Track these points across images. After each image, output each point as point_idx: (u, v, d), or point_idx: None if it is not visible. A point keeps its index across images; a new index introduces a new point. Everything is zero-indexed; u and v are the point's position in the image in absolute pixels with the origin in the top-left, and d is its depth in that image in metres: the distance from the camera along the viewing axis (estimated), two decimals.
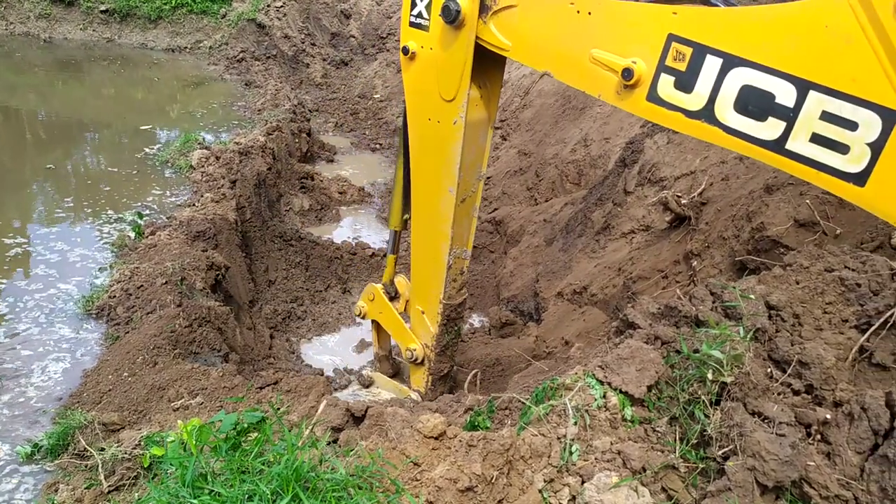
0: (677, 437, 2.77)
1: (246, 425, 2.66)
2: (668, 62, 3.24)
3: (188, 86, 16.32)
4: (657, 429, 2.79)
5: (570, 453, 2.68)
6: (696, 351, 2.87)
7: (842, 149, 2.81)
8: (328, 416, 4.06)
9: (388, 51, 19.11)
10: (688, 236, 7.08)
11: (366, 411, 4.04)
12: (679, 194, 7.49)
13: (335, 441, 3.95)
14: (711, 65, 3.11)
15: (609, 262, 8.06)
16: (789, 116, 2.91)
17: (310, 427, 2.94)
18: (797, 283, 3.42)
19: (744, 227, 6.26)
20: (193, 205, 8.92)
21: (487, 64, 4.48)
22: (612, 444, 2.71)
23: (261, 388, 5.27)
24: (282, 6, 18.75)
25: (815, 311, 3.26)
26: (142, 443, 4.34)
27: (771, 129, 2.98)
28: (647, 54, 3.31)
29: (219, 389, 5.26)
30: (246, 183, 9.73)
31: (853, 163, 2.79)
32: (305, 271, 10.19)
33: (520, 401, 2.95)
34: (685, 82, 3.21)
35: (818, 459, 2.62)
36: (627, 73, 3.33)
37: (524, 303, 9.20)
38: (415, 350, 5.84)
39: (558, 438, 2.72)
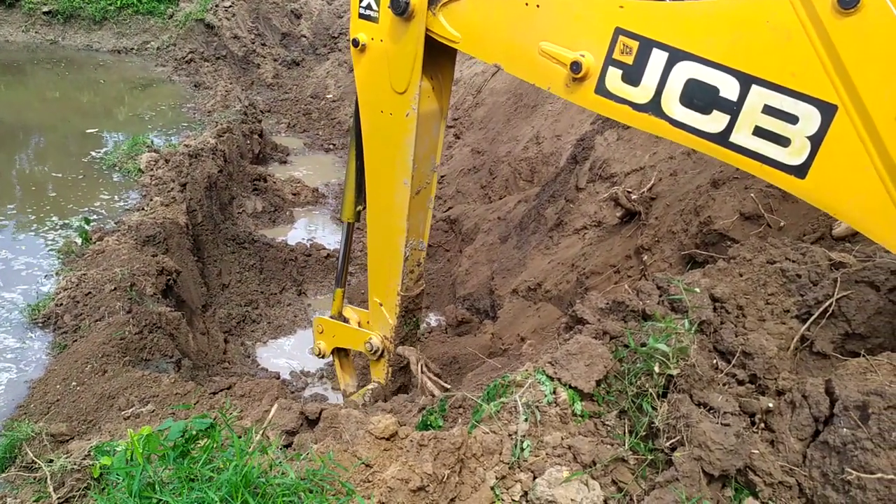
0: (626, 430, 2.81)
1: (195, 432, 2.62)
2: (616, 55, 3.27)
3: (135, 88, 16.02)
4: (607, 422, 2.83)
5: (522, 450, 2.70)
6: (643, 345, 2.92)
7: (783, 142, 2.87)
8: (282, 420, 4.03)
9: (339, 50, 19.01)
10: (638, 231, 7.18)
11: (320, 413, 4.02)
12: (629, 190, 7.60)
13: (289, 445, 3.92)
14: (658, 58, 3.15)
15: (562, 259, 8.13)
16: (733, 110, 2.97)
17: (261, 432, 2.91)
18: (741, 276, 3.50)
19: (692, 221, 6.38)
20: (143, 209, 8.76)
21: (438, 56, 4.48)
22: (562, 439, 2.74)
23: (214, 393, 5.21)
24: (230, 6, 18.51)
25: (758, 303, 3.34)
26: (91, 453, 4.25)
27: (715, 122, 3.03)
28: (594, 48, 3.34)
29: (170, 396, 5.18)
30: (196, 186, 9.59)
31: (794, 155, 2.86)
32: (259, 274, 10.09)
33: (473, 399, 2.96)
34: (632, 75, 3.24)
35: (762, 447, 2.69)
36: (576, 67, 3.35)
37: (480, 301, 9.23)
38: (374, 341, 5.82)
39: (509, 435, 2.74)
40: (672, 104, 3.16)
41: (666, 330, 2.92)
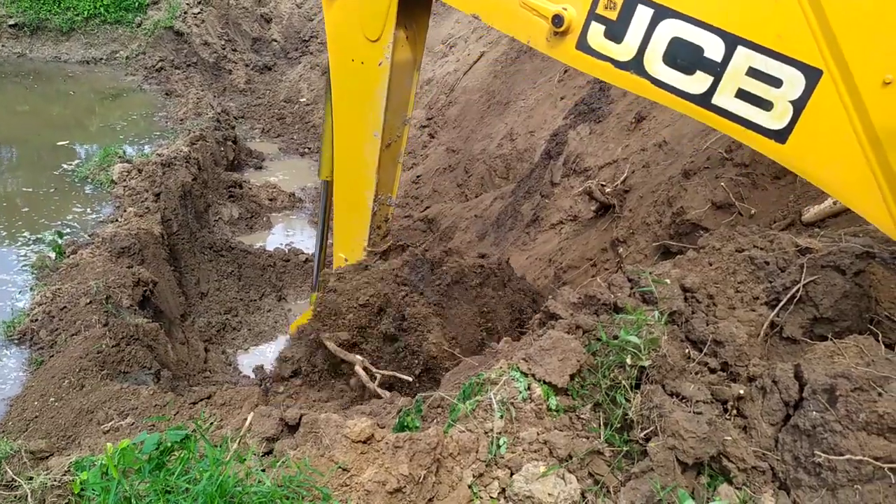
0: (601, 423, 2.84)
1: (170, 444, 2.62)
2: (599, 10, 3.21)
3: (106, 98, 15.87)
4: (581, 416, 2.85)
5: (498, 447, 2.71)
6: (615, 337, 2.95)
7: (766, 105, 2.86)
8: (262, 427, 4.01)
9: (311, 54, 18.95)
10: (613, 224, 7.23)
11: (300, 419, 4.01)
12: (603, 183, 7.65)
13: (270, 452, 3.91)
14: (642, 15, 3.09)
15: (540, 254, 8.17)
16: (717, 71, 2.94)
17: (237, 440, 2.91)
18: (710, 265, 3.54)
19: (665, 212, 6.43)
20: (116, 220, 8.68)
21: (414, 5, 4.41)
22: (538, 434, 2.75)
23: (194, 403, 5.18)
24: (199, 12, 18.38)
25: (728, 291, 3.38)
26: (71, 469, 4.22)
27: (698, 83, 3.00)
28: (578, 1, 3.27)
29: (150, 408, 5.15)
30: (171, 195, 9.52)
31: (776, 119, 2.85)
32: (238, 281, 10.04)
33: (449, 399, 2.98)
34: (615, 32, 3.19)
35: (735, 434, 2.72)
36: (558, 20, 3.28)
37: None
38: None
39: (486, 433, 2.75)
40: (655, 63, 3.12)
41: (637, 322, 2.94)
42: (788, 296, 3.16)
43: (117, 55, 18.13)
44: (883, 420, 2.35)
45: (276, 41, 19.56)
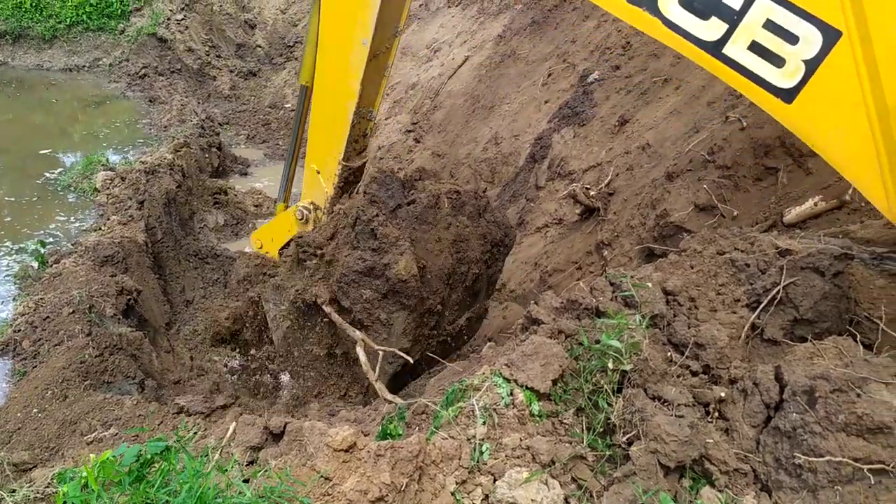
0: (584, 428, 2.84)
1: (150, 456, 2.60)
2: None
3: (89, 106, 15.77)
4: (564, 421, 2.85)
5: (481, 453, 2.71)
6: (597, 341, 2.95)
7: (778, 61, 2.80)
8: (245, 436, 3.99)
9: (296, 59, 18.88)
10: (598, 227, 7.25)
11: (284, 427, 3.99)
12: (587, 186, 7.67)
13: (254, 461, 3.89)
14: None
15: (525, 258, 8.18)
16: (733, 19, 2.87)
17: (218, 451, 2.89)
18: (692, 268, 3.55)
19: (649, 215, 6.45)
20: (100, 229, 8.63)
21: None
22: (521, 440, 2.76)
23: (177, 413, 5.14)
24: (182, 19, 18.30)
25: (710, 294, 3.39)
26: (54, 481, 4.19)
27: (712, 29, 2.93)
28: None
29: (133, 419, 5.11)
30: (155, 203, 9.47)
31: (786, 78, 2.80)
32: (224, 288, 9.98)
33: (431, 405, 2.97)
34: None
35: (717, 436, 2.73)
36: None
37: None
38: (303, 207, 5.60)
39: (468, 439, 2.75)
40: (669, 4, 3.04)
41: (618, 326, 2.95)
42: (769, 298, 3.18)
43: (100, 62, 18.03)
44: (862, 421, 2.36)
45: (260, 47, 19.50)
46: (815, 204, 5.01)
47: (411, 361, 5.18)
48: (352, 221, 5.25)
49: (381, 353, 5.25)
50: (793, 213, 5.11)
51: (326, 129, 5.32)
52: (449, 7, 16.36)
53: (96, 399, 5.42)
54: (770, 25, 2.78)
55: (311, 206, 5.65)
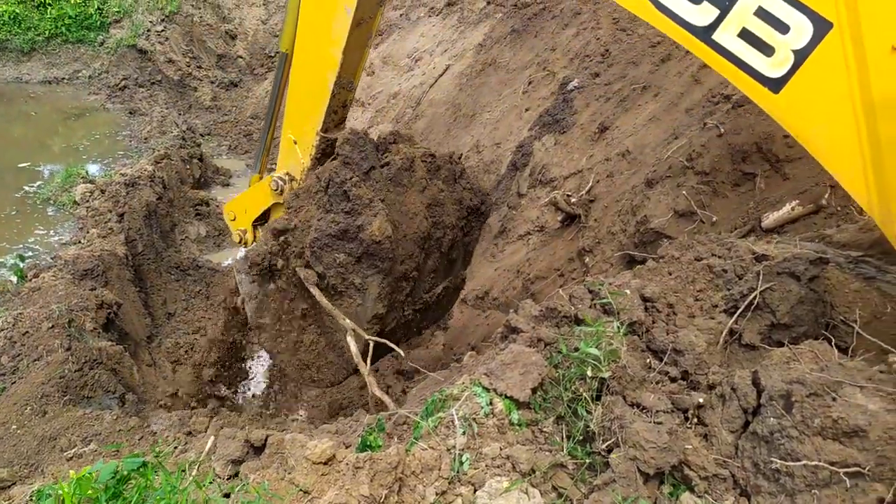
0: (564, 436, 2.84)
1: (126, 472, 2.57)
2: None
3: (68, 118, 15.67)
4: (544, 429, 2.85)
5: (461, 463, 2.71)
6: (576, 349, 2.96)
7: (767, 50, 2.79)
8: (226, 450, 3.96)
9: None
10: (579, 234, 7.28)
11: (265, 440, 3.96)
12: (569, 193, 7.70)
13: (236, 475, 3.86)
14: None
15: (508, 265, 8.19)
16: (725, 5, 2.86)
17: (196, 466, 2.86)
18: (670, 274, 3.57)
19: (629, 221, 6.49)
20: (79, 242, 8.56)
21: None
22: (501, 449, 2.75)
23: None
24: (162, 30, 18.25)
25: (688, 300, 3.41)
26: (34, 498, 4.14)
27: (703, 14, 2.92)
28: None
29: (113, 434, 5.07)
30: (135, 215, 9.41)
31: (775, 67, 2.79)
32: (206, 300, 9.93)
33: (411, 416, 2.96)
34: None
35: (695, 442, 2.74)
36: None
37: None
38: (278, 178, 5.50)
39: (448, 450, 2.74)
40: None
41: (597, 334, 2.96)
42: (746, 303, 3.19)
43: (80, 74, 17.93)
44: (837, 425, 2.38)
45: (241, 58, 19.47)
46: (793, 209, 5.06)
47: (402, 354, 5.13)
48: (324, 185, 5.15)
49: (359, 317, 5.19)
50: (771, 218, 5.15)
51: (305, 99, 5.20)
52: (429, 16, 16.41)
53: (76, 414, 5.37)
54: (761, 13, 2.78)
55: (287, 177, 5.54)
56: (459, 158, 6.10)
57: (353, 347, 5.05)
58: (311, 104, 5.17)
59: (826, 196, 4.97)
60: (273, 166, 6.01)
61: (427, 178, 5.51)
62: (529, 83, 10.94)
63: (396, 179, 5.27)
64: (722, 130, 6.00)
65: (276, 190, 5.55)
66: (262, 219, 5.98)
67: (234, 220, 5.99)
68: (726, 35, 2.88)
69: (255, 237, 6.11)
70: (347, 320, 5.15)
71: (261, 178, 5.96)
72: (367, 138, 5.23)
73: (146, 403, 6.67)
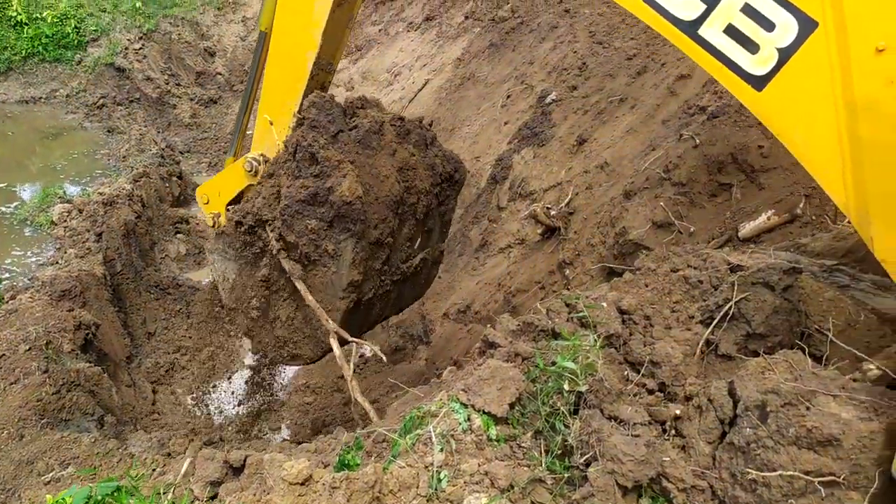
0: (542, 450, 2.84)
1: (101, 497, 2.54)
2: None
3: (46, 138, 15.52)
4: (522, 444, 2.85)
5: (439, 480, 2.69)
6: (553, 364, 2.96)
7: (752, 47, 2.80)
8: (206, 471, 3.92)
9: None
10: (559, 246, 7.30)
11: (245, 460, 3.94)
12: (548, 206, 7.73)
13: (215, 496, 3.83)
14: None
15: (489, 279, 8.20)
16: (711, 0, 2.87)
17: (172, 489, 2.83)
18: (646, 286, 3.59)
19: (609, 233, 6.52)
20: (57, 263, 8.48)
21: None
22: (479, 465, 2.74)
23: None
24: (140, 48, 18.17)
25: (664, 311, 3.42)
26: None
27: (690, 8, 2.92)
28: None
29: (91, 456, 4.99)
30: (113, 234, 9.33)
31: (759, 64, 2.79)
32: (187, 319, 9.85)
33: (388, 434, 2.95)
34: None
35: (673, 454, 2.74)
36: None
37: (413, 326, 9.22)
38: (252, 159, 5.37)
39: (426, 467, 2.73)
40: None
41: (573, 347, 2.96)
42: (721, 313, 3.21)
43: (57, 93, 17.77)
44: (811, 434, 2.39)
45: (220, 74, 19.41)
46: (769, 218, 5.11)
47: (381, 355, 5.07)
48: (292, 150, 5.07)
49: (335, 285, 5.09)
50: (747, 228, 5.20)
51: (283, 79, 5.14)
52: (408, 31, 16.47)
53: (53, 438, 5.30)
54: (748, 10, 2.79)
55: (261, 158, 5.43)
56: (430, 125, 5.99)
57: (337, 350, 5.01)
58: (289, 85, 5.10)
59: (801, 205, 5.03)
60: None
61: (397, 141, 5.41)
62: (508, 97, 11.00)
63: (365, 142, 5.17)
64: (698, 142, 6.06)
65: (250, 171, 5.43)
66: (237, 201, 5.83)
67: (207, 203, 5.88)
68: (712, 30, 2.88)
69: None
70: (331, 322, 5.10)
71: (235, 160, 5.88)
72: (334, 102, 5.14)
73: (125, 425, 6.59)
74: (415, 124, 5.71)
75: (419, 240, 5.97)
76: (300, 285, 5.19)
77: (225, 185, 5.81)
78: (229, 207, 5.74)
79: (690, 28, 2.94)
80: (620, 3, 3.19)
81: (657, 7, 3.02)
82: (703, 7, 2.88)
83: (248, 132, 5.99)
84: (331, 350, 5.35)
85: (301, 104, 5.12)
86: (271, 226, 5.26)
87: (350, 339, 5.07)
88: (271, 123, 5.34)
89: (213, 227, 6.02)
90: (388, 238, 5.30)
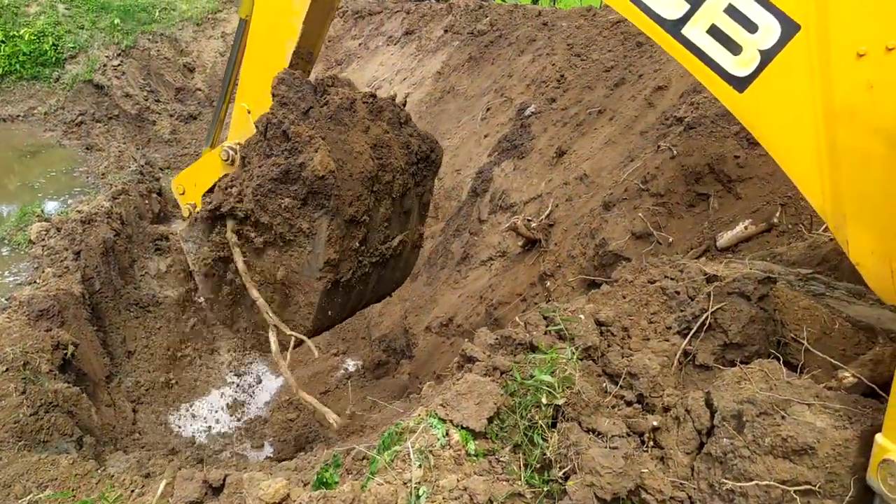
0: (521, 464, 2.83)
1: None
2: None
3: (23, 156, 15.39)
4: (501, 459, 2.84)
5: (417, 497, 2.67)
6: (531, 377, 2.96)
7: (735, 48, 2.80)
8: (184, 492, 3.89)
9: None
10: (540, 258, 7.32)
11: (224, 479, 3.90)
12: (529, 218, 7.75)
13: None
14: None
15: (471, 291, 8.20)
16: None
17: None
18: (624, 298, 3.60)
19: (588, 244, 6.54)
20: (35, 282, 8.38)
21: None
22: (458, 481, 2.73)
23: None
24: (119, 65, 18.09)
25: (642, 322, 3.44)
26: None
27: (674, 7, 2.93)
28: None
29: (70, 478, 4.93)
30: (92, 252, 9.25)
31: (741, 66, 2.80)
32: (168, 336, 9.79)
33: (365, 451, 2.93)
34: None
35: (652, 465, 2.74)
36: None
37: (395, 341, 9.21)
38: (229, 148, 5.29)
39: (404, 484, 2.71)
40: None
41: (550, 360, 2.96)
42: (698, 324, 3.23)
43: (35, 111, 17.64)
44: (787, 443, 2.40)
45: (200, 90, 19.37)
46: (746, 228, 5.15)
47: (314, 352, 5.02)
48: (262, 129, 5.01)
49: (311, 265, 5.04)
50: (725, 238, 5.24)
51: (262, 68, 5.08)
52: (388, 45, 16.52)
53: (31, 460, 5.22)
54: (731, 11, 2.80)
55: (238, 147, 5.36)
56: (403, 105, 5.93)
57: (275, 346, 4.96)
58: (268, 73, 5.03)
59: (777, 214, 5.08)
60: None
61: (370, 118, 5.35)
62: (488, 110, 11.05)
63: (337, 118, 5.10)
64: (675, 152, 6.11)
65: (226, 160, 5.37)
66: (213, 191, 5.81)
67: (182, 194, 5.82)
68: (695, 30, 2.90)
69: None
70: (272, 316, 5.06)
71: (213, 150, 5.83)
72: (304, 79, 5.09)
73: (105, 445, 6.52)
74: (388, 102, 5.65)
75: (397, 221, 5.89)
76: (246, 279, 5.15)
77: (201, 175, 5.74)
78: (205, 198, 5.68)
79: (674, 27, 2.96)
80: (607, 2, 3.20)
81: (642, 6, 3.03)
82: (687, 6, 2.90)
83: (226, 122, 5.94)
84: (309, 336, 5.33)
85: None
86: (232, 215, 5.22)
87: (289, 332, 5.02)
88: (249, 112, 5.30)
89: (189, 218, 5.97)
90: (364, 216, 5.22)
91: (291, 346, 4.92)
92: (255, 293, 5.16)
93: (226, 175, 5.37)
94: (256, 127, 5.08)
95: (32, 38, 17.96)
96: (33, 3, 18.56)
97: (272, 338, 4.96)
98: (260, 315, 5.50)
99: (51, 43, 18.11)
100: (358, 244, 5.31)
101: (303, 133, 4.80)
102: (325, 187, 4.78)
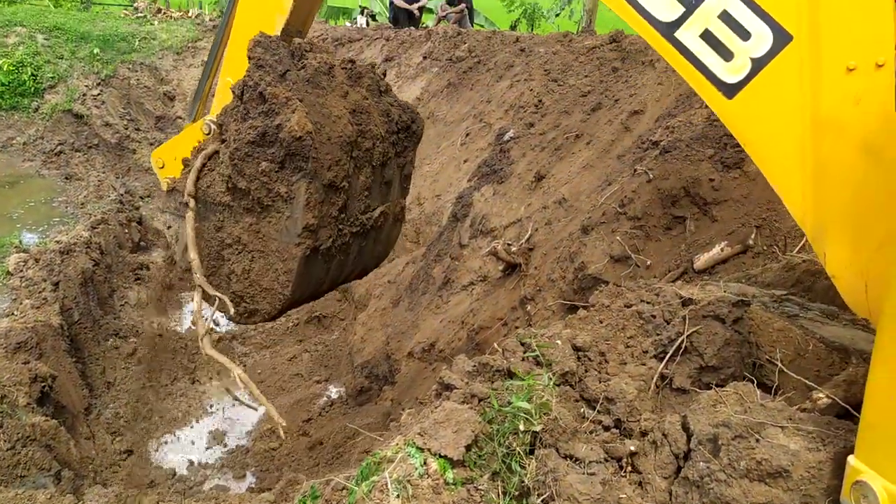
0: (500, 492, 2.82)
1: None
2: None
3: (2, 186, 15.30)
4: (479, 487, 2.83)
5: None
6: (509, 403, 2.96)
7: (727, 55, 2.81)
8: None
9: None
10: (521, 282, 7.34)
11: None
12: (509, 242, 7.79)
13: None
14: None
15: (452, 317, 8.21)
16: (691, 3, 2.87)
17: None
18: (601, 322, 3.62)
19: (568, 268, 6.58)
20: (12, 314, 8.30)
21: None
22: None
23: None
24: (99, 94, 18.09)
25: (619, 347, 3.46)
26: None
27: (669, 9, 2.93)
28: None
29: None
30: (70, 283, 9.19)
31: (731, 73, 2.81)
32: (148, 366, 9.71)
33: (342, 483, 2.92)
34: None
35: (630, 490, 2.75)
36: None
37: (378, 367, 9.18)
38: (210, 121, 5.19)
39: None
40: None
41: (528, 387, 2.97)
42: (674, 347, 3.25)
43: (14, 141, 17.57)
44: (761, 466, 2.42)
45: (180, 118, 19.36)
46: (722, 250, 5.21)
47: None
48: (239, 93, 4.92)
49: (289, 231, 4.97)
50: (702, 260, 5.29)
51: (248, 41, 4.95)
52: None
53: (8, 496, 5.15)
54: (725, 17, 2.81)
55: (217, 118, 5.25)
56: (384, 75, 5.87)
57: (197, 305, 4.99)
58: None
59: (752, 236, 5.14)
60: None
61: (349, 84, 5.29)
62: (467, 135, 11.13)
63: (314, 81, 5.02)
64: (651, 176, 6.17)
65: (208, 134, 5.27)
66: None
67: (162, 167, 5.71)
68: (688, 35, 2.91)
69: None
70: (199, 276, 5.08)
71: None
72: (281, 42, 5.04)
73: (84, 479, 6.44)
74: (367, 69, 5.60)
75: (378, 191, 5.82)
76: (191, 243, 5.17)
77: (182, 149, 5.65)
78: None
79: (668, 30, 2.97)
80: (603, 1, 3.25)
81: (637, 6, 3.05)
82: (682, 10, 2.92)
83: (210, 97, 5.90)
84: (290, 307, 5.31)
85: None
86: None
87: (213, 292, 4.99)
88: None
89: (169, 191, 5.91)
90: (344, 182, 5.16)
91: (215, 307, 4.88)
92: (192, 254, 5.13)
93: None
94: (233, 91, 5.00)
95: (11, 68, 17.93)
96: (12, 33, 18.54)
97: (197, 298, 4.91)
98: (241, 284, 5.42)
99: (30, 73, 18.08)
100: (337, 211, 5.24)
101: (279, 94, 4.73)
102: (303, 149, 4.71)
